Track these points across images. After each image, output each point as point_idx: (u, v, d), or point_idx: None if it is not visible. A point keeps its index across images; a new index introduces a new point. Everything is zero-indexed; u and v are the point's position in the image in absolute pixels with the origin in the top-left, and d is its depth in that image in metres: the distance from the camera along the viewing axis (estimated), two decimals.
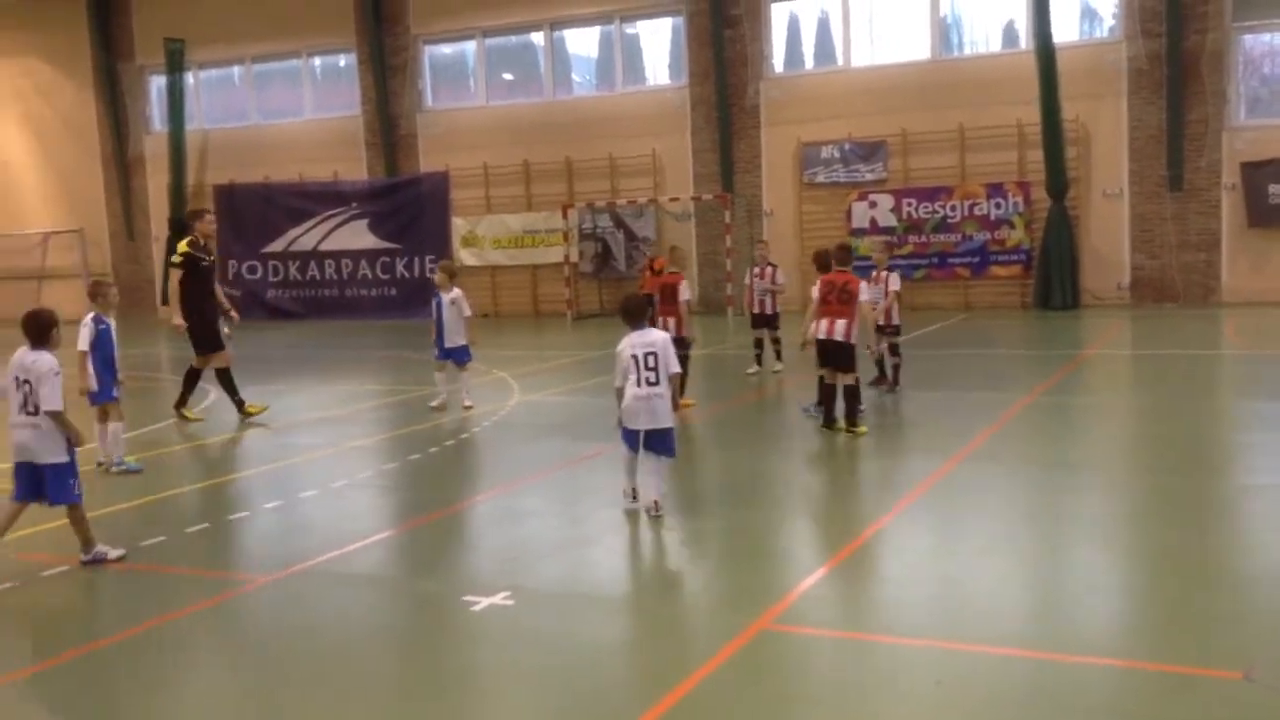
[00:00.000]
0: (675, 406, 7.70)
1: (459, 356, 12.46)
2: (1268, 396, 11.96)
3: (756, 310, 14.56)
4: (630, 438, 7.56)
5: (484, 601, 5.76)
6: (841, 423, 10.19)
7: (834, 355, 10.13)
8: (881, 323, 12.19)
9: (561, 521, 7.78)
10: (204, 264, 12.03)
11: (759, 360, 14.63)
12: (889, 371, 12.64)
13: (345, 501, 8.58)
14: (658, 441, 7.48)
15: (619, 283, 26.12)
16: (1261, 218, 22.47)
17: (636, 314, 7.80)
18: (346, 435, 11.32)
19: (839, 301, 10.06)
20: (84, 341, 9.26)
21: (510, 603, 5.75)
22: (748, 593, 6.00)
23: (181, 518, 8.06)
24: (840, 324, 10.04)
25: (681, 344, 10.89)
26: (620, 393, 7.62)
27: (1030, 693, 4.56)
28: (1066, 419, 11.12)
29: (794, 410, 11.52)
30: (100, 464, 9.58)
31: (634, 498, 7.71)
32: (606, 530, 7.45)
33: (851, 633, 5.24)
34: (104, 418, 9.57)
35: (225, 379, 12.13)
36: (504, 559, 6.70)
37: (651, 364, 7.48)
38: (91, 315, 9.38)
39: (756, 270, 14.73)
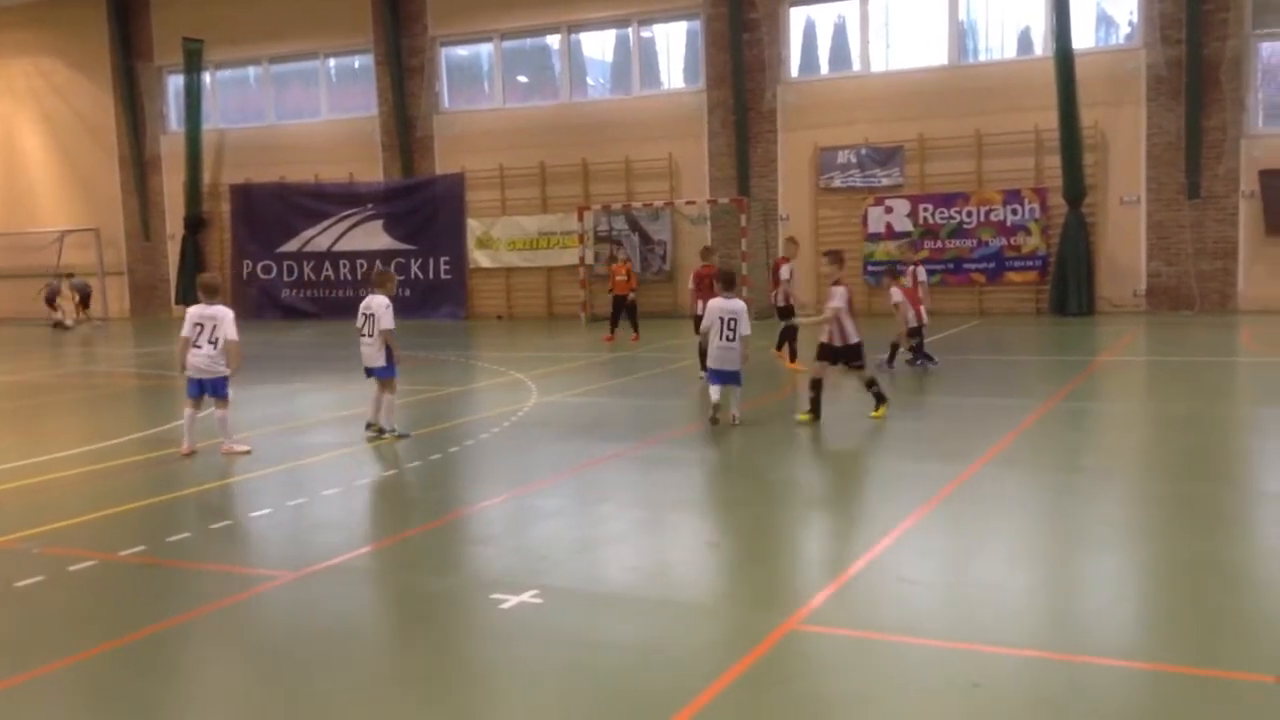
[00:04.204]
0: (744, 358, 10.79)
1: (219, 388, 10.49)
2: None
3: None
4: (716, 376, 10.81)
5: (513, 599, 5.77)
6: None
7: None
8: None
9: (586, 521, 7.78)
10: None
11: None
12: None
13: (369, 499, 8.60)
14: (733, 377, 10.81)
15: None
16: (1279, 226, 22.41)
17: (730, 283, 11.10)
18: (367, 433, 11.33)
19: None
20: (389, 322, 10.52)
21: (539, 601, 5.76)
22: (776, 593, 5.99)
23: (205, 514, 8.09)
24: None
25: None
26: (704, 336, 11.02)
27: (1063, 696, 4.55)
28: (1085, 425, 11.10)
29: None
30: (372, 426, 10.68)
31: (714, 419, 10.61)
32: (633, 530, 7.47)
33: (883, 634, 5.23)
34: (382, 389, 10.64)
35: None
36: (531, 558, 6.69)
37: (732, 326, 10.67)
38: (388, 302, 10.63)
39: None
